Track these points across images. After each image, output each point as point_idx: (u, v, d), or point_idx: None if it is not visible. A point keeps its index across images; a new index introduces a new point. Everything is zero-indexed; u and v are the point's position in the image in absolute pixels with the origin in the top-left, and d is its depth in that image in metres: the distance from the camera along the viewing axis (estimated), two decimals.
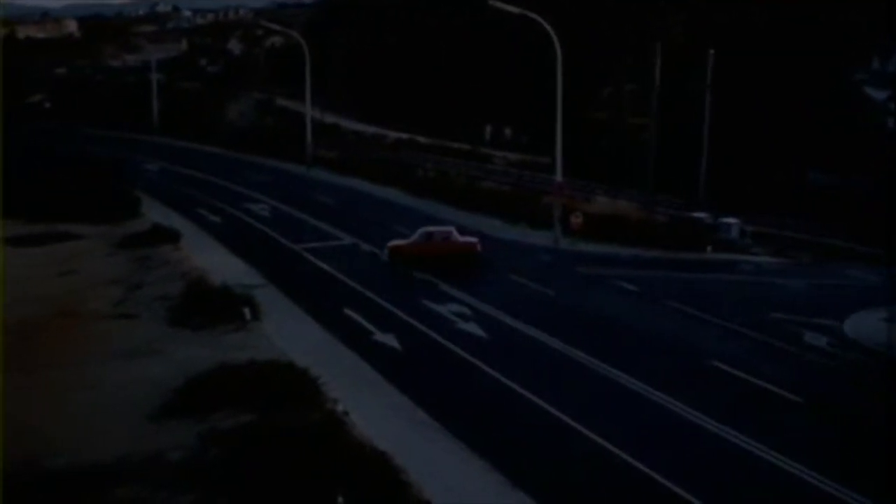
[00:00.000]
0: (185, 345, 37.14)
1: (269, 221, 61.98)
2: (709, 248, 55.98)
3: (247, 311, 40.13)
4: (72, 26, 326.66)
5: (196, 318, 39.92)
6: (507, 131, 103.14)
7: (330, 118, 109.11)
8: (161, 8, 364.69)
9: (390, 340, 37.62)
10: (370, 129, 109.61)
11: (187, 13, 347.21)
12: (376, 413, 30.01)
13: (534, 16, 56.05)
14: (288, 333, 38.16)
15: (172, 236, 56.42)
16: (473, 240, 51.30)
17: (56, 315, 42.44)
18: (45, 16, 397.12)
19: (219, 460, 26.62)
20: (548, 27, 55.52)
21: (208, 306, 40.69)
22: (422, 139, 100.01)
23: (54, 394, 32.99)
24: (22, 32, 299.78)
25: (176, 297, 42.96)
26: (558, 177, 56.92)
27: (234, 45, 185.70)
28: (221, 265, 49.32)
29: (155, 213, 65.12)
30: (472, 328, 38.94)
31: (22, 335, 39.72)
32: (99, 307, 43.32)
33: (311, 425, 27.61)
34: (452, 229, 51.77)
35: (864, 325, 40.28)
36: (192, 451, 27.51)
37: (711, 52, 69.31)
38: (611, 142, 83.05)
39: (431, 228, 51.56)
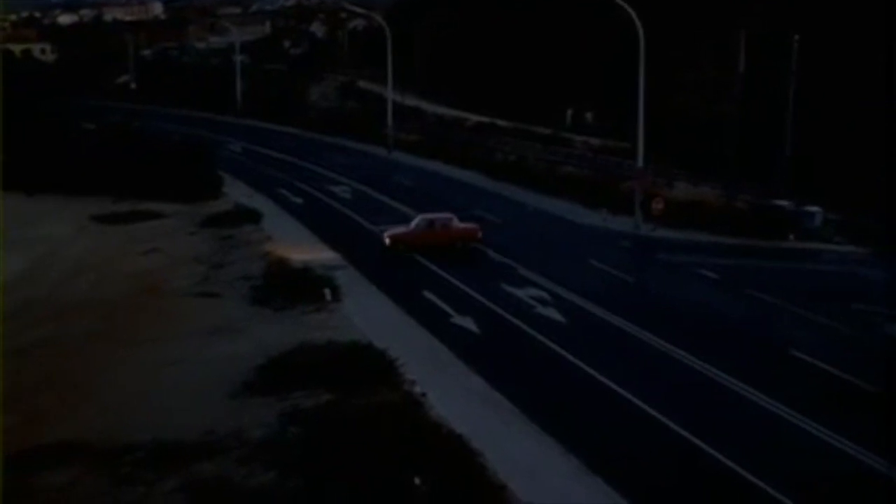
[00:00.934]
0: (267, 324, 37.69)
1: (349, 203, 62.43)
2: (791, 237, 55.29)
3: (327, 291, 40.59)
4: (157, 8, 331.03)
5: (277, 298, 40.49)
6: (589, 116, 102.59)
7: (411, 101, 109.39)
8: None
9: (468, 323, 37.80)
10: (451, 113, 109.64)
11: None
12: (453, 395, 30.21)
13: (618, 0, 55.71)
14: (367, 314, 38.52)
15: (254, 216, 57.13)
16: (474, 226, 50.91)
17: (140, 293, 43.30)
18: None
19: (298, 439, 27.05)
20: (631, 11, 55.17)
21: (289, 287, 41.22)
22: (502, 123, 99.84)
23: (139, 370, 33.74)
24: (109, 14, 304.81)
25: (257, 277, 43.57)
26: (639, 162, 56.60)
27: (318, 28, 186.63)
28: (302, 245, 49.80)
29: (237, 193, 65.93)
30: (551, 313, 38.96)
31: (107, 312, 40.66)
32: (182, 285, 44.09)
33: (388, 406, 27.90)
34: (453, 216, 51.21)
35: None
36: (272, 429, 27.98)
37: (796, 37, 68.28)
38: (693, 128, 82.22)
39: (431, 216, 51.00)
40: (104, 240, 53.87)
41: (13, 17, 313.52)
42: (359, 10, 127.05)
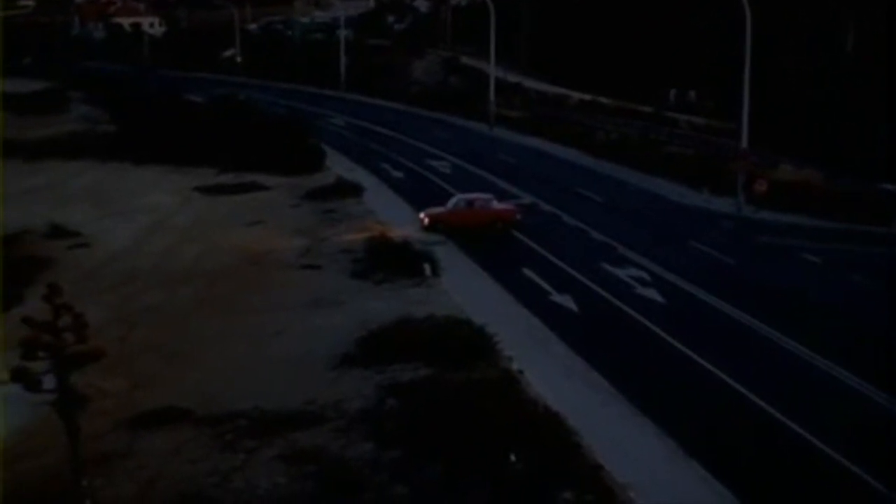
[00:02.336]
0: (367, 297, 38.14)
1: (450, 178, 62.58)
2: None
3: (427, 266, 40.88)
4: None
5: (377, 272, 40.92)
6: (692, 95, 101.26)
7: (513, 77, 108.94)
8: None
9: (567, 301, 37.79)
10: (553, 90, 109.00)
11: None
12: (551, 373, 30.29)
13: None
14: (466, 290, 38.72)
15: (356, 190, 57.64)
16: (513, 208, 50.40)
17: (244, 264, 44.07)
18: None
19: (395, 412, 27.39)
20: None
21: (390, 261, 41.62)
22: (605, 101, 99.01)
23: (242, 339, 34.40)
24: None
25: (358, 251, 44.04)
26: (743, 143, 55.82)
27: (421, 3, 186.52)
28: (403, 220, 50.16)
29: (339, 166, 66.51)
30: (651, 293, 38.75)
31: (212, 282, 41.48)
32: (285, 258, 44.76)
33: (486, 382, 28.08)
34: (492, 196, 50.78)
35: None
36: (370, 401, 28.37)
37: None
38: (798, 109, 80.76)
39: (471, 196, 50.53)
40: (209, 211, 54.84)
41: None
42: None
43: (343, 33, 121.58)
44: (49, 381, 21.34)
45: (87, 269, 43.16)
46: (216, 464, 25.07)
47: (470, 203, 49.21)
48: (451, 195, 56.16)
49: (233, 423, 27.17)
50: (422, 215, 49.13)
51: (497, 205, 49.62)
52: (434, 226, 48.11)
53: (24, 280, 40.69)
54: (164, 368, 32.03)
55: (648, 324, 35.05)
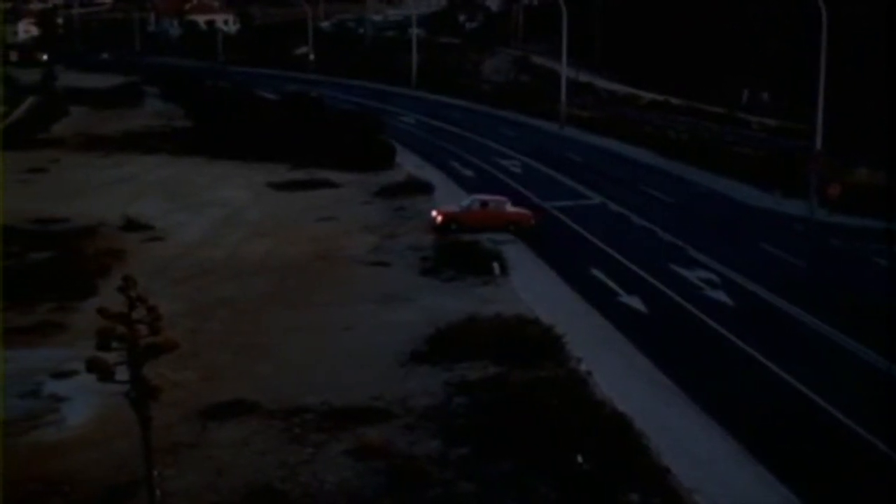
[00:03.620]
0: (435, 294, 38.32)
1: (519, 178, 62.58)
2: None
3: (496, 265, 40.96)
4: None
5: (446, 270, 41.07)
6: (765, 96, 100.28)
7: (584, 77, 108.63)
8: None
9: (635, 302, 37.65)
10: (624, 89, 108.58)
11: None
12: (618, 374, 30.22)
13: None
14: (534, 290, 38.75)
15: (426, 188, 57.84)
16: (528, 212, 49.71)
17: (315, 258, 44.47)
18: None
19: (463, 409, 27.50)
20: None
21: (459, 259, 41.75)
22: (676, 101, 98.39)
23: (312, 333, 34.73)
24: None
25: (427, 248, 44.23)
26: (817, 145, 55.14)
27: (493, 2, 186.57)
28: None
29: (410, 164, 66.78)
30: (720, 295, 38.47)
31: (283, 276, 41.89)
32: (355, 253, 45.09)
33: (554, 382, 28.09)
34: (507, 199, 50.30)
35: None
36: (438, 398, 28.50)
37: None
38: (875, 111, 79.63)
39: (486, 196, 50.26)
40: (280, 206, 55.36)
41: None
42: None
43: (415, 31, 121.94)
44: (122, 372, 21.72)
45: (161, 262, 43.76)
46: (284, 457, 25.35)
47: (484, 204, 49.08)
48: (520, 194, 56.26)
49: (301, 417, 27.46)
50: (434, 213, 49.06)
51: (511, 208, 49.27)
52: (447, 224, 47.91)
53: (99, 272, 41.47)
54: (235, 361, 32.42)
55: (717, 326, 34.82)
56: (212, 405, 28.30)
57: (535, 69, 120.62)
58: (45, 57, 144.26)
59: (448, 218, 48.20)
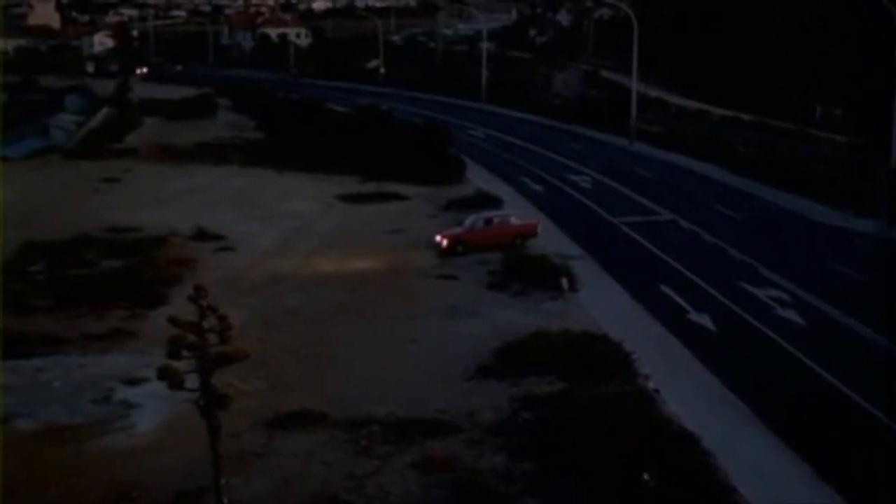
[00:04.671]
0: (503, 309, 38.29)
1: (589, 193, 62.36)
2: None
3: (564, 280, 40.83)
4: None
5: (514, 284, 41.04)
6: (838, 113, 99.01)
7: (654, 92, 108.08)
8: None
9: (705, 320, 37.29)
10: (694, 105, 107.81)
11: None
12: (686, 393, 29.94)
13: None
14: (603, 306, 38.55)
15: (495, 202, 57.78)
16: (533, 223, 49.19)
17: (384, 271, 44.67)
18: None
19: (529, 425, 27.43)
20: (887, 4, 52.98)
21: (527, 273, 41.68)
22: (746, 117, 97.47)
23: (379, 345, 34.87)
24: (361, 1, 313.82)
25: (495, 263, 44.21)
26: (890, 162, 54.30)
27: (564, 17, 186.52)
28: (541, 233, 50.10)
29: (478, 178, 66.81)
30: (791, 315, 37.95)
31: (351, 288, 42.12)
32: (423, 266, 45.21)
33: (621, 399, 27.92)
34: (510, 214, 49.77)
35: None
36: (504, 413, 28.47)
37: None
38: None
39: (489, 213, 49.60)
40: (349, 218, 55.68)
41: (271, 2, 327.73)
42: None
43: (485, 45, 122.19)
44: (192, 380, 21.97)
45: (231, 272, 44.20)
46: (350, 468, 25.47)
47: (488, 221, 48.32)
48: (590, 210, 56.12)
49: (368, 429, 27.58)
50: (438, 237, 47.58)
51: (515, 221, 48.77)
52: (453, 247, 46.79)
53: (171, 281, 42.03)
54: (303, 371, 32.65)
55: (787, 346, 34.35)
56: (280, 415, 28.54)
57: (605, 84, 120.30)
58: (144, 70, 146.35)
59: (454, 240, 47.07)
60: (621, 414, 26.37)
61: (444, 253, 46.65)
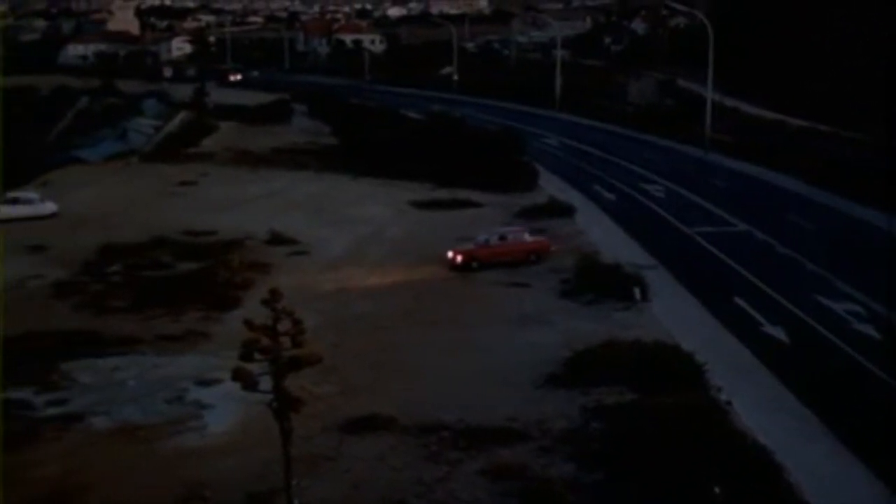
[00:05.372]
0: (574, 318, 38.19)
1: (662, 202, 61.93)
2: None
3: (636, 290, 40.59)
4: (482, 2, 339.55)
5: (586, 293, 40.88)
6: None
7: (730, 102, 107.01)
8: None
9: (779, 333, 36.84)
10: (770, 115, 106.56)
11: None
12: (759, 406, 29.61)
13: None
14: (675, 316, 38.25)
15: (567, 210, 57.67)
16: (545, 240, 48.32)
17: (456, 277, 44.77)
18: None
19: (599, 434, 27.31)
20: None
21: (599, 282, 41.50)
22: (824, 128, 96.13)
23: (449, 351, 34.94)
24: (435, 7, 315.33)
25: (568, 271, 44.08)
26: None
27: (638, 25, 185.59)
28: (614, 243, 49.95)
29: (551, 186, 66.68)
30: (868, 329, 37.34)
31: (425, 294, 42.27)
32: (494, 274, 45.15)
33: (692, 410, 27.64)
34: (524, 229, 48.85)
35: None
36: (574, 422, 28.39)
37: None
38: None
39: (504, 229, 48.73)
40: (422, 225, 55.86)
41: (346, 9, 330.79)
42: (681, 7, 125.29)
43: (559, 53, 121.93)
44: (265, 383, 22.20)
45: (304, 276, 44.55)
46: (420, 473, 25.56)
47: (503, 237, 47.41)
48: (663, 220, 55.70)
49: (437, 435, 27.66)
50: (450, 254, 46.58)
51: (528, 238, 47.85)
52: (467, 263, 45.94)
53: (245, 284, 42.50)
54: (374, 376, 32.81)
55: (863, 361, 33.81)
56: (350, 419, 28.73)
57: (680, 93, 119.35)
58: (238, 77, 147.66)
59: (468, 256, 46.12)
60: (692, 425, 26.13)
61: (458, 268, 45.83)
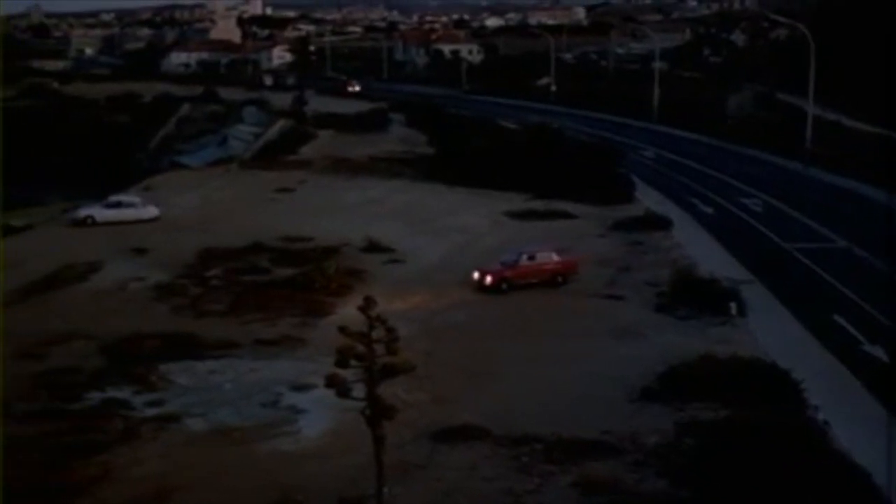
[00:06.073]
0: (669, 332, 37.87)
1: (760, 217, 61.01)
2: None
3: (733, 305, 40.09)
4: (580, 13, 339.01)
5: (681, 307, 40.51)
6: None
7: (831, 115, 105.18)
8: None
9: (879, 353, 36.06)
10: (873, 130, 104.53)
11: (693, 3, 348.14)
12: (857, 427, 28.99)
13: None
14: (772, 333, 37.70)
15: (664, 223, 57.17)
16: (573, 260, 46.80)
17: (549, 289, 44.59)
18: (556, 2, 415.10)
19: (692, 451, 27.01)
20: None
21: (695, 297, 41.07)
22: None
23: (543, 362, 34.87)
24: (533, 18, 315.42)
25: (663, 284, 43.70)
26: None
27: (738, 37, 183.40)
28: (710, 257, 49.38)
29: (648, 198, 66.15)
30: None
31: (519, 305, 42.29)
32: (588, 286, 45.00)
33: (788, 429, 27.22)
34: (552, 249, 46.96)
35: None
36: (668, 437, 28.13)
37: None
38: None
39: (532, 249, 46.66)
40: (517, 235, 55.73)
41: (444, 19, 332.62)
42: (782, 18, 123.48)
43: (657, 64, 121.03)
44: (358, 389, 22.38)
45: (400, 284, 44.77)
46: (511, 484, 25.57)
47: (532, 257, 45.74)
48: (761, 235, 54.94)
49: (530, 446, 27.63)
50: (477, 274, 45.00)
51: (556, 257, 46.28)
52: (497, 285, 44.29)
53: (340, 291, 42.95)
54: (466, 386, 32.90)
55: None
56: (442, 428, 28.84)
57: (779, 105, 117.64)
58: (357, 88, 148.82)
59: (498, 278, 44.46)
60: (788, 445, 25.71)
61: (487, 290, 44.30)
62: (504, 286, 44.37)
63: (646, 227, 56.19)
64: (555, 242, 49.22)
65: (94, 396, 32.58)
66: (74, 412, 31.25)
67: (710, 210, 63.57)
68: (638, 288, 44.19)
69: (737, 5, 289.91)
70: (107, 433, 29.64)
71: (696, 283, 43.16)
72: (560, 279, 45.43)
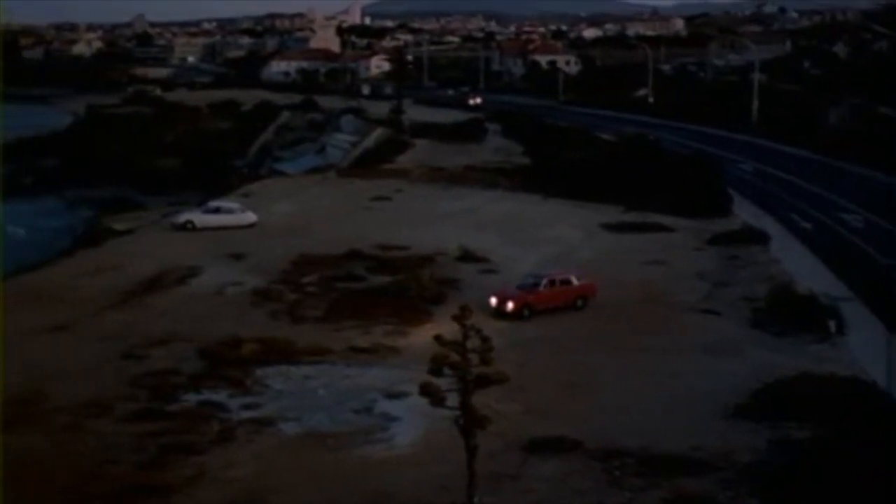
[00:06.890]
0: (765, 348, 37.39)
1: (860, 233, 59.95)
2: None
3: (831, 323, 39.42)
4: (679, 24, 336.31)
5: (778, 324, 39.96)
6: None
7: None
8: (768, 8, 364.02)
9: None
10: None
11: (794, 14, 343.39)
12: None
13: None
14: (871, 352, 36.90)
15: (761, 238, 56.43)
16: (592, 283, 44.65)
17: (644, 302, 44.36)
18: (654, 13, 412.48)
19: (786, 470, 26.66)
20: None
21: (792, 313, 40.47)
22: None
23: (635, 376, 34.68)
24: (631, 29, 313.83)
25: (760, 300, 43.15)
26: None
27: (840, 49, 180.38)
28: (808, 273, 48.59)
29: (746, 212, 65.34)
30: None
31: (612, 317, 42.07)
32: (684, 299, 44.66)
33: (887, 452, 26.70)
34: (571, 273, 45.17)
35: None
36: (761, 456, 27.80)
37: None
38: None
39: (552, 274, 44.87)
40: (612, 247, 55.54)
41: (542, 30, 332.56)
42: (884, 30, 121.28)
43: (756, 76, 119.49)
44: (451, 398, 22.55)
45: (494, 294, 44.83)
46: (602, 497, 25.53)
47: (552, 282, 44.02)
48: (861, 251, 53.92)
49: (621, 460, 27.54)
50: (494, 300, 42.55)
51: (576, 281, 44.48)
52: (519, 311, 42.20)
53: (435, 299, 43.20)
54: (558, 397, 32.87)
55: None
56: (534, 439, 28.88)
57: (882, 119, 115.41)
58: (479, 100, 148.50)
59: (521, 304, 42.45)
60: (884, 467, 25.25)
61: (508, 316, 42.01)
62: (526, 312, 42.55)
63: (743, 242, 55.52)
64: (575, 269, 47.03)
65: (191, 398, 33.24)
66: (172, 413, 31.91)
67: (808, 225, 62.59)
68: (734, 303, 43.70)
69: (839, 17, 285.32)
70: (203, 435, 30.22)
71: (793, 299, 42.50)
72: (580, 303, 43.94)
